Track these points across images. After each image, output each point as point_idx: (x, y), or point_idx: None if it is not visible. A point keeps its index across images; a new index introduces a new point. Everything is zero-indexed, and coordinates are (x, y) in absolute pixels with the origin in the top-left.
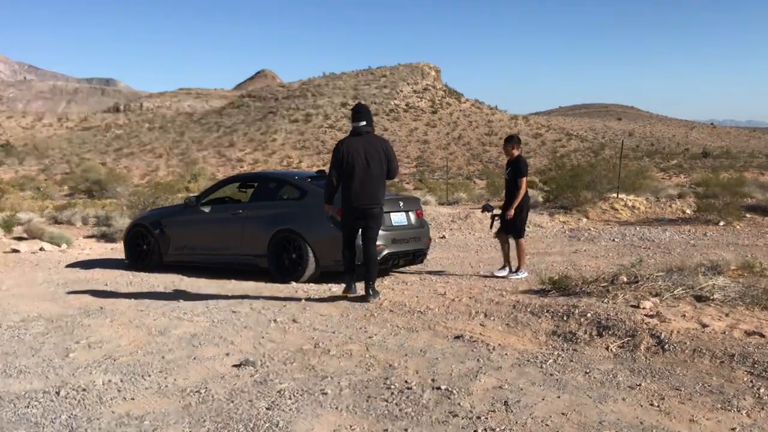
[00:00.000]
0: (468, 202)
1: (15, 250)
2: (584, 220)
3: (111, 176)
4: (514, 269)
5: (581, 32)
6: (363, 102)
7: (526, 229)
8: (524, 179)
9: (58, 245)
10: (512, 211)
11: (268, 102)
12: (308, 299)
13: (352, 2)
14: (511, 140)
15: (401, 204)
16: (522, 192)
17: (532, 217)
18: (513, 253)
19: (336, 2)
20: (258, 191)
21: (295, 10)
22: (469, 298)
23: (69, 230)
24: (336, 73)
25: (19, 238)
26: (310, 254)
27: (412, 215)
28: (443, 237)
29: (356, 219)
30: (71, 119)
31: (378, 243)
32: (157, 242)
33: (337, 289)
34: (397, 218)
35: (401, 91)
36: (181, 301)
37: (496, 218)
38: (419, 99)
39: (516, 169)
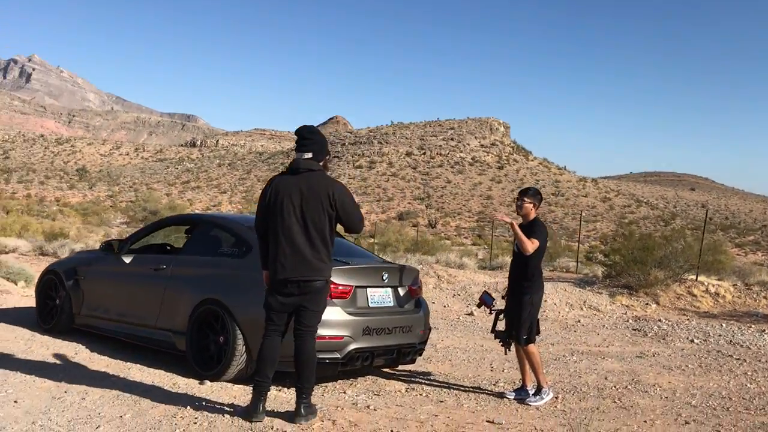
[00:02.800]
0: None
1: None
2: (653, 306)
3: (169, 207)
4: (532, 389)
5: (657, 99)
6: (313, 126)
7: (541, 326)
8: (534, 242)
9: (15, 282)
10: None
11: (335, 147)
12: (204, 413)
13: (426, 54)
14: (528, 193)
15: (385, 276)
16: (529, 245)
17: (588, 296)
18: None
19: (410, 54)
20: (193, 240)
21: (371, 60)
22: None
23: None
24: (404, 122)
25: None
26: (239, 341)
27: (402, 293)
28: (470, 314)
29: (285, 296)
30: (147, 150)
31: (339, 334)
32: (69, 297)
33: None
34: (378, 296)
35: (468, 144)
36: (21, 400)
37: (501, 315)
38: (486, 153)
39: (531, 234)
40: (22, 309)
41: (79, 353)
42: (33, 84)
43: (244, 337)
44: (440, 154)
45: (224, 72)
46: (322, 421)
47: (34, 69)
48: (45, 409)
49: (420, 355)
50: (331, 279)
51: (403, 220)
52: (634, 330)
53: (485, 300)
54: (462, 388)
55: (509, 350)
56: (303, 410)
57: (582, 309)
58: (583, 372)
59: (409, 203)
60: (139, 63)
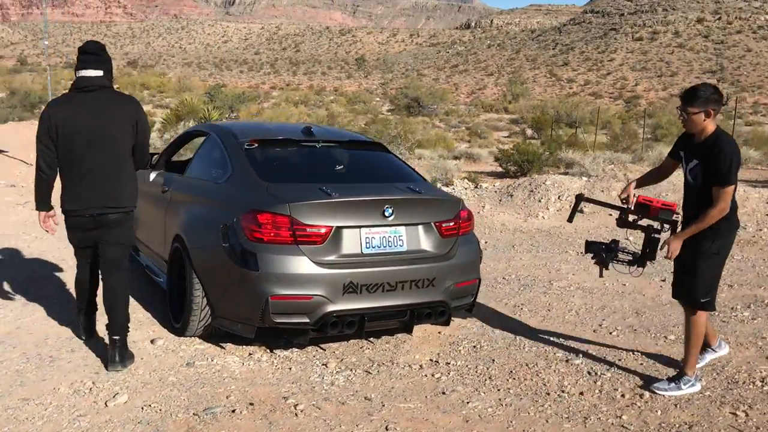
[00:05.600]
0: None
1: None
2: None
3: (429, 93)
4: (696, 380)
5: None
6: (97, 40)
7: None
8: (728, 190)
9: None
10: (677, 243)
11: (612, 18)
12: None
13: None
14: (695, 99)
15: (388, 212)
16: (718, 211)
17: None
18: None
19: None
20: (196, 157)
21: None
22: None
23: None
24: None
25: None
26: (197, 290)
27: (425, 233)
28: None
29: (83, 231)
30: (422, 35)
31: (305, 292)
32: None
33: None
34: (378, 239)
35: None
36: None
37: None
38: None
39: (713, 163)
40: None
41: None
42: None
43: (203, 285)
44: (740, 18)
45: None
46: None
47: None
48: None
49: (470, 310)
50: (296, 218)
51: None
52: None
53: (596, 250)
54: (525, 372)
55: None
56: (118, 356)
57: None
58: None
59: (697, 78)
60: None
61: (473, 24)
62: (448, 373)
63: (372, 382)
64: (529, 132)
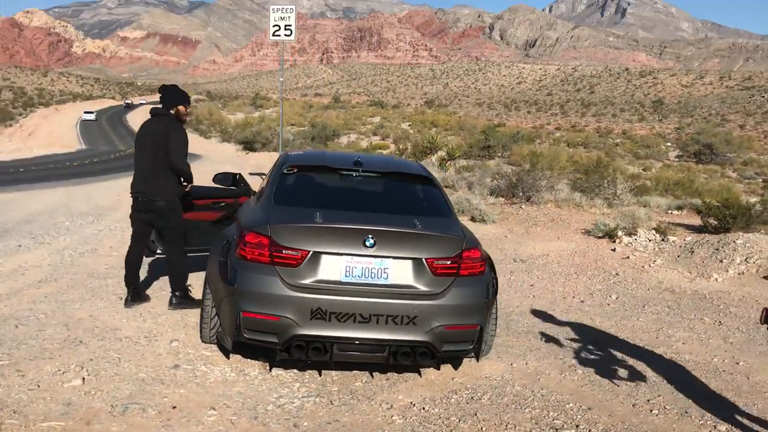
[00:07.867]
0: None
1: None
2: None
3: (727, 140)
4: None
5: None
6: (167, 84)
7: None
8: None
9: None
10: None
11: None
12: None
13: None
14: None
15: (370, 242)
16: None
17: None
18: None
19: None
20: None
21: None
22: None
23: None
24: None
25: None
26: (207, 299)
27: (411, 268)
28: None
29: (137, 212)
30: (734, 78)
31: (273, 312)
32: None
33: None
34: (360, 269)
35: None
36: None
37: None
38: None
39: None
40: None
41: None
42: (627, 18)
43: (212, 293)
44: None
45: None
46: None
47: (629, 3)
48: None
49: (475, 358)
50: (275, 239)
51: None
52: None
53: None
54: None
55: None
56: (172, 301)
57: None
58: None
59: None
60: None
61: None
62: (410, 418)
63: (322, 412)
64: None
